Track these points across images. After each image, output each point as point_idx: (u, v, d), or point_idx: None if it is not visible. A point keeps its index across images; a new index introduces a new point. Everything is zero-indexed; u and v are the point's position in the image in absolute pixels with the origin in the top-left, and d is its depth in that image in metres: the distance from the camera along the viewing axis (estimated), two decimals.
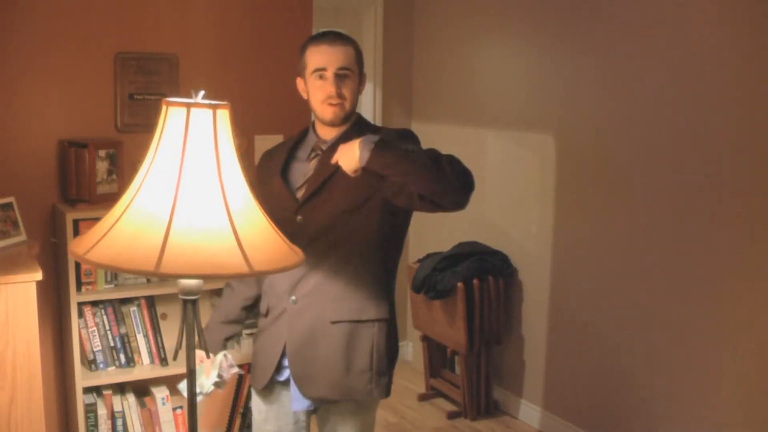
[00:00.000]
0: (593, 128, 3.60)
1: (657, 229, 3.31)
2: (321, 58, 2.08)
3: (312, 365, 2.15)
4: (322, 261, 2.12)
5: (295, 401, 2.22)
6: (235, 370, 2.27)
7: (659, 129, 3.27)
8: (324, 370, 2.15)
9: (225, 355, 2.26)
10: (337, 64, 2.07)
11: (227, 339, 2.36)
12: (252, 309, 2.40)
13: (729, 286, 3.05)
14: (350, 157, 1.94)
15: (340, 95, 2.07)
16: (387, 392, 2.23)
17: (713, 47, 3.05)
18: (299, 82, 2.18)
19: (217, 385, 2.23)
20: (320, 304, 2.14)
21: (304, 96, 2.17)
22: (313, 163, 2.16)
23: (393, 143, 1.95)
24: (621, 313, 3.51)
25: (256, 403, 2.33)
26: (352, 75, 2.10)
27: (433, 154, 1.94)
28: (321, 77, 2.08)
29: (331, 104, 2.08)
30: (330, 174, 2.07)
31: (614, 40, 3.46)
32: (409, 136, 2.16)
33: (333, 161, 2.01)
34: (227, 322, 2.35)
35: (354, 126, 2.17)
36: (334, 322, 2.13)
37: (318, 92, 2.09)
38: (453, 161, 1.96)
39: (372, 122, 2.28)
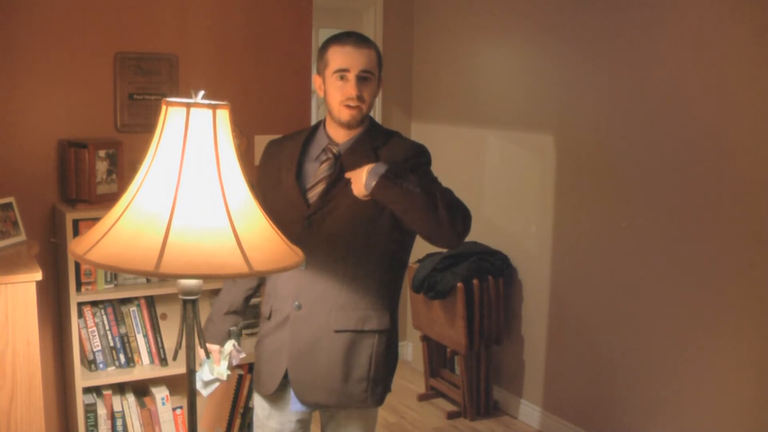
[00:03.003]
0: (593, 128, 3.60)
1: (656, 229, 3.31)
2: (345, 59, 2.06)
3: (311, 372, 2.16)
4: (329, 268, 2.11)
5: (294, 402, 2.22)
6: (243, 355, 2.32)
7: (659, 129, 3.27)
8: (323, 378, 2.15)
9: (234, 344, 2.30)
10: (360, 67, 2.05)
11: (231, 329, 2.37)
12: (251, 299, 2.41)
13: (729, 286, 3.05)
14: (359, 182, 2.01)
15: (360, 98, 2.06)
16: (381, 401, 2.23)
17: (713, 48, 3.05)
18: (316, 79, 2.16)
19: (230, 369, 2.29)
20: (325, 312, 2.13)
21: (320, 94, 2.15)
22: (324, 166, 2.14)
23: (399, 176, 1.98)
24: (621, 312, 3.51)
25: (259, 401, 2.33)
26: (372, 78, 2.09)
27: (433, 199, 1.98)
28: (342, 78, 2.06)
29: (349, 106, 2.07)
30: (344, 184, 2.08)
31: (614, 41, 3.46)
32: (420, 154, 2.16)
33: (346, 176, 2.07)
34: (230, 313, 2.36)
35: (366, 130, 2.15)
36: (337, 331, 2.13)
37: (337, 93, 2.08)
38: (452, 206, 2.01)
39: (382, 126, 2.29)
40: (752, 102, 2.92)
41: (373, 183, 1.96)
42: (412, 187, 1.97)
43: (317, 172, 2.14)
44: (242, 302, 2.37)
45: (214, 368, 2.29)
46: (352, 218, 2.07)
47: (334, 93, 2.08)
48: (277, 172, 2.20)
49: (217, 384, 2.31)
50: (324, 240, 2.09)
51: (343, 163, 2.11)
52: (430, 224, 1.99)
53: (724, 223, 3.05)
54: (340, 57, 2.06)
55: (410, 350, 4.94)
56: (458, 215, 2.01)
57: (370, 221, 2.09)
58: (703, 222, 3.12)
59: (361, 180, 1.99)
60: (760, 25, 2.88)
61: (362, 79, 2.06)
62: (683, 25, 3.16)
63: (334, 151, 2.14)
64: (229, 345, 2.30)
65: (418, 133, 4.70)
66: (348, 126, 2.11)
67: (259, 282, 2.36)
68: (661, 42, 3.25)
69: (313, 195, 2.13)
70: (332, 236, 2.09)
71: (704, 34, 3.08)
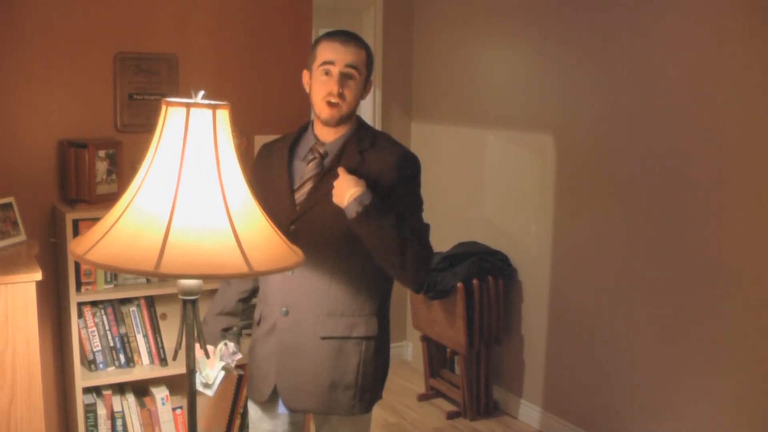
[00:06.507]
0: (593, 129, 3.60)
1: (656, 229, 3.31)
2: (331, 52, 2.07)
3: (299, 379, 2.15)
4: (315, 273, 2.11)
5: (281, 405, 2.23)
6: (239, 356, 2.30)
7: (658, 129, 3.28)
8: (310, 385, 2.14)
9: (225, 344, 2.29)
10: (345, 61, 2.06)
11: (225, 330, 2.37)
12: (248, 301, 2.41)
13: (729, 286, 3.05)
14: (340, 196, 2.03)
15: (341, 95, 2.06)
16: (369, 408, 2.22)
17: (712, 48, 3.05)
18: (305, 74, 2.17)
19: (225, 369, 2.27)
20: (312, 319, 2.13)
21: (307, 89, 2.16)
22: (311, 165, 2.14)
23: (380, 212, 2.01)
24: (620, 313, 3.51)
25: (252, 403, 2.33)
26: (357, 77, 2.08)
27: (402, 246, 2.02)
28: (327, 73, 2.07)
29: (330, 103, 2.07)
30: (329, 185, 2.07)
31: (614, 41, 3.46)
32: (408, 165, 2.14)
33: (335, 183, 2.08)
34: (223, 314, 2.36)
35: (353, 131, 2.15)
36: (324, 338, 2.13)
37: (320, 88, 2.08)
38: (420, 256, 2.06)
39: (372, 126, 2.27)
40: (751, 102, 2.92)
41: (354, 213, 1.99)
42: (387, 228, 2.00)
43: (304, 171, 2.15)
44: (235, 304, 2.37)
45: (205, 370, 2.27)
46: (337, 221, 2.05)
47: (318, 88, 2.09)
48: (268, 174, 2.21)
49: (219, 381, 2.30)
50: (310, 243, 2.03)
51: (328, 165, 2.11)
52: (395, 267, 2.06)
53: (724, 223, 3.05)
54: (327, 50, 2.08)
55: (410, 350, 4.94)
56: (422, 266, 2.07)
57: None
58: (702, 222, 3.12)
59: (344, 197, 2.01)
60: (759, 25, 2.88)
61: (346, 76, 2.06)
62: (683, 25, 3.16)
63: (321, 151, 2.14)
64: (220, 345, 2.29)
65: (418, 133, 4.70)
66: (327, 124, 2.12)
67: (254, 285, 2.35)
68: (661, 42, 3.25)
69: (300, 195, 2.13)
70: (318, 239, 2.08)
71: (704, 34, 3.08)
